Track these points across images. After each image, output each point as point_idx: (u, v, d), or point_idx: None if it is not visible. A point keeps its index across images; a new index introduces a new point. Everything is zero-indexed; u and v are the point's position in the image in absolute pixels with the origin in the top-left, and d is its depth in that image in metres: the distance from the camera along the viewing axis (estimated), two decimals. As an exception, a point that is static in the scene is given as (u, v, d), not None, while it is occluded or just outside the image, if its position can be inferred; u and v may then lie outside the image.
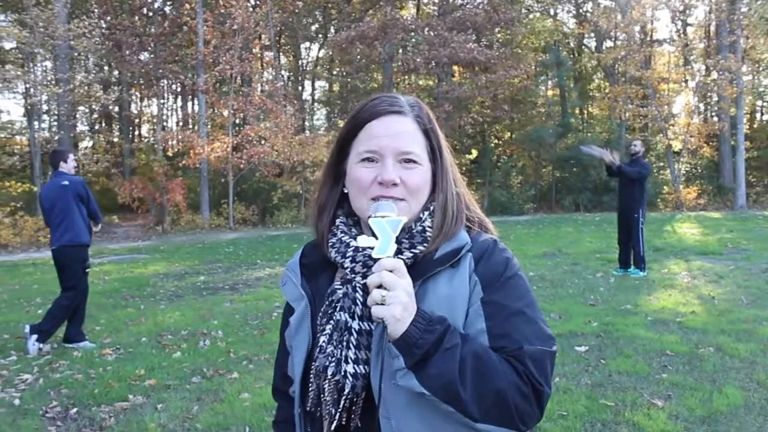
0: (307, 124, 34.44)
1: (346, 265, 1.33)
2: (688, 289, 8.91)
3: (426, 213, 1.36)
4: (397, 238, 1.29)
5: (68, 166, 6.75)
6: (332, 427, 1.30)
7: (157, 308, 8.67)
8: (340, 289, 1.32)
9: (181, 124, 37.48)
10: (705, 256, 12.15)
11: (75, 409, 4.78)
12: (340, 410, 1.27)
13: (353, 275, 1.30)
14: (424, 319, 1.19)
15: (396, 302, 1.15)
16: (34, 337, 6.37)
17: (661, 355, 5.79)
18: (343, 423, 1.29)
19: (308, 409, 1.35)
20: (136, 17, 28.44)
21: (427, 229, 1.34)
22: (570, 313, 7.42)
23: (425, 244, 1.32)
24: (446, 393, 1.17)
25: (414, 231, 1.33)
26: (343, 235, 1.37)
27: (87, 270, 6.81)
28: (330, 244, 1.39)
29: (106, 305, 8.93)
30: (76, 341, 6.61)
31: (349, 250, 1.33)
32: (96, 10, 27.22)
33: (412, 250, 1.31)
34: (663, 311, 7.57)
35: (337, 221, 1.42)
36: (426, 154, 1.36)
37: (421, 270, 1.29)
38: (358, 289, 1.28)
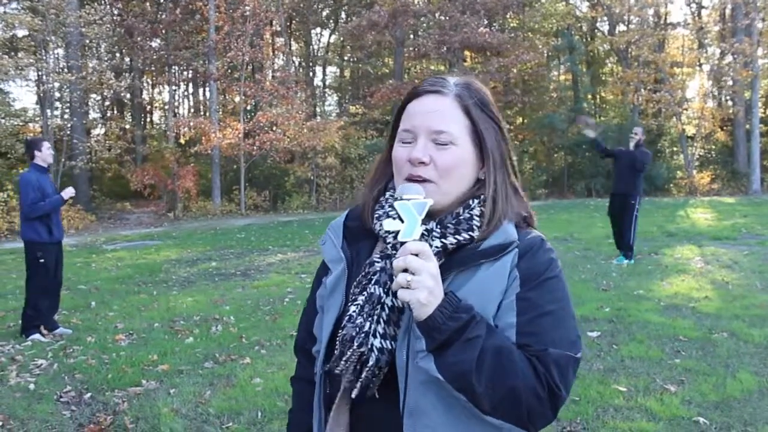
0: (318, 109, 34.42)
1: (388, 240, 1.32)
2: (702, 275, 8.86)
3: (476, 201, 1.33)
4: (443, 221, 1.30)
5: (42, 155, 6.51)
6: (352, 395, 1.30)
7: (170, 294, 8.71)
8: (378, 262, 1.32)
9: (192, 110, 37.51)
10: (719, 241, 12.07)
11: (89, 394, 4.82)
12: (361, 381, 1.27)
13: (393, 251, 1.29)
14: (450, 305, 1.18)
15: (421, 287, 1.15)
16: (27, 335, 6.48)
17: (674, 340, 5.76)
18: (361, 393, 1.30)
19: (327, 370, 1.36)
20: (147, 4, 28.45)
21: (475, 217, 1.31)
22: (582, 299, 7.38)
23: (471, 233, 1.30)
24: (460, 382, 1.17)
25: (461, 217, 1.31)
26: (390, 209, 1.36)
27: (40, 260, 6.49)
28: (376, 216, 1.39)
29: (119, 291, 8.98)
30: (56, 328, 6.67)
31: None
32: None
33: (456, 236, 1.29)
34: (676, 296, 7.54)
35: (387, 194, 1.42)
36: (467, 135, 1.33)
37: (463, 259, 1.28)
38: None
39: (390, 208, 1.36)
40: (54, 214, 6.51)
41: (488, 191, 1.34)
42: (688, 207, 20.14)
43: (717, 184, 28.81)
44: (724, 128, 31.33)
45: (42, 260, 6.50)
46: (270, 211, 25.15)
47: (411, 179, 1.30)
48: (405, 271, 1.16)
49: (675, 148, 31.46)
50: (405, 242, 1.18)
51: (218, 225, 19.94)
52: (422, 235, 1.24)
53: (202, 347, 6.02)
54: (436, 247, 1.27)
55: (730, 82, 29.44)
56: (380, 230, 1.35)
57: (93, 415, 4.43)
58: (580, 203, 23.97)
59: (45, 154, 6.56)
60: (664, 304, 7.15)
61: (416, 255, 1.16)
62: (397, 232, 1.21)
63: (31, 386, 5.01)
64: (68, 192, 6.51)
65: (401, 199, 1.23)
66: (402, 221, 1.20)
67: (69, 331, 6.67)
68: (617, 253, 10.29)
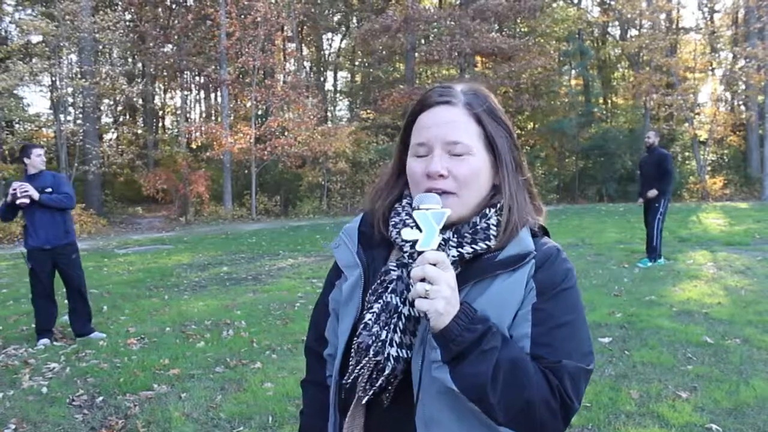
0: (329, 114, 34.49)
1: (405, 249, 1.32)
2: (714, 280, 8.80)
3: (492, 210, 1.33)
4: (460, 231, 1.30)
5: (31, 161, 6.53)
6: (363, 402, 1.32)
7: (181, 298, 8.74)
8: (394, 270, 1.31)
9: (204, 115, 37.68)
10: (731, 247, 11.98)
11: (101, 398, 4.84)
12: (375, 389, 1.28)
13: (410, 260, 1.29)
14: (467, 316, 1.19)
15: (439, 296, 1.15)
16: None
17: (686, 346, 5.73)
18: (377, 400, 1.31)
19: (344, 382, 1.36)
20: (160, 10, 28.62)
21: (492, 227, 1.31)
22: (594, 304, 7.35)
23: (488, 242, 1.29)
24: (475, 393, 1.18)
25: (478, 227, 1.31)
26: (407, 217, 1.36)
27: (30, 269, 6.54)
28: (392, 223, 1.39)
29: (130, 295, 9.03)
30: (84, 333, 6.65)
31: None
32: (120, 3, 27.42)
33: (473, 246, 1.29)
34: (688, 302, 7.49)
35: (404, 201, 1.42)
36: (481, 143, 1.33)
37: (480, 269, 1.28)
38: None
39: (407, 217, 1.36)
40: (29, 221, 6.40)
41: (505, 198, 1.33)
42: (700, 212, 20.02)
43: (729, 190, 28.62)
44: (737, 133, 31.14)
45: (30, 267, 6.51)
46: (281, 215, 25.21)
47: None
48: (423, 280, 1.16)
49: (687, 153, 31.30)
50: (423, 252, 1.18)
51: (229, 229, 19.99)
52: (439, 244, 1.23)
53: (213, 352, 6.03)
54: (453, 256, 1.27)
55: (743, 87, 29.27)
56: (397, 238, 1.35)
57: (105, 418, 4.45)
58: (592, 208, 23.88)
59: (33, 161, 6.53)
60: (677, 309, 7.11)
61: (434, 265, 1.16)
62: (415, 242, 1.21)
63: (44, 389, 5.04)
64: (9, 196, 6.30)
65: (419, 209, 1.22)
66: (420, 230, 1.20)
67: (103, 335, 6.68)
68: (634, 257, 10.35)
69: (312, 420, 1.54)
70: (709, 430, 3.95)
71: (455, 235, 1.30)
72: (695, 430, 3.97)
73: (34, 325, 6.69)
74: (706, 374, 4.96)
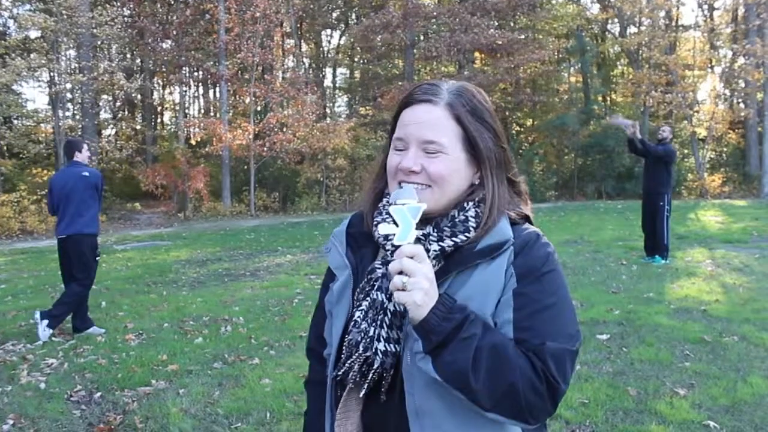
0: (328, 111, 34.46)
1: (387, 247, 1.35)
2: (712, 278, 8.80)
3: (470, 204, 1.36)
4: (439, 225, 1.33)
5: (83, 156, 6.76)
6: (359, 395, 1.35)
7: (179, 294, 8.74)
8: (379, 268, 1.35)
9: (203, 111, 37.64)
10: (729, 245, 11.99)
11: (99, 393, 4.84)
12: (367, 382, 1.32)
13: (393, 257, 1.31)
14: (444, 306, 1.21)
15: (417, 288, 1.17)
16: (45, 322, 6.39)
17: (684, 343, 5.73)
18: (371, 394, 1.35)
19: (337, 377, 1.39)
20: (159, 5, 28.54)
21: (470, 219, 1.34)
22: (592, 301, 7.36)
23: (467, 234, 1.32)
24: (458, 381, 1.20)
25: (456, 219, 1.34)
26: (387, 216, 1.39)
27: (97, 258, 6.81)
28: (375, 223, 1.43)
29: (129, 291, 9.02)
30: (83, 329, 6.66)
31: None
32: (118, -2, 27.38)
33: (453, 239, 1.32)
34: (686, 299, 7.49)
35: (384, 200, 1.45)
36: (458, 143, 1.35)
37: (461, 260, 1.31)
38: None
39: (387, 214, 1.39)
40: (96, 208, 6.78)
41: (488, 194, 1.37)
42: (698, 210, 20.01)
43: (728, 187, 28.62)
44: (736, 130, 31.12)
45: (98, 257, 6.77)
46: (279, 212, 25.20)
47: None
48: (401, 273, 1.18)
49: (686, 151, 31.29)
50: (400, 245, 1.20)
51: (228, 226, 19.99)
52: (418, 239, 1.26)
53: (211, 347, 6.04)
54: (434, 250, 1.30)
55: (742, 84, 29.25)
56: (378, 237, 1.39)
57: (103, 414, 4.46)
58: (590, 205, 23.86)
59: (85, 155, 6.81)
60: (674, 307, 7.12)
61: (411, 257, 1.19)
62: (393, 236, 1.25)
63: (42, 385, 5.04)
64: None
65: (395, 204, 1.25)
66: (397, 225, 1.23)
67: (101, 330, 6.70)
68: (632, 254, 10.25)
69: (315, 419, 1.57)
70: (706, 427, 3.96)
71: (435, 230, 1.33)
72: (693, 426, 3.98)
73: (42, 311, 6.56)
74: (704, 371, 4.96)
